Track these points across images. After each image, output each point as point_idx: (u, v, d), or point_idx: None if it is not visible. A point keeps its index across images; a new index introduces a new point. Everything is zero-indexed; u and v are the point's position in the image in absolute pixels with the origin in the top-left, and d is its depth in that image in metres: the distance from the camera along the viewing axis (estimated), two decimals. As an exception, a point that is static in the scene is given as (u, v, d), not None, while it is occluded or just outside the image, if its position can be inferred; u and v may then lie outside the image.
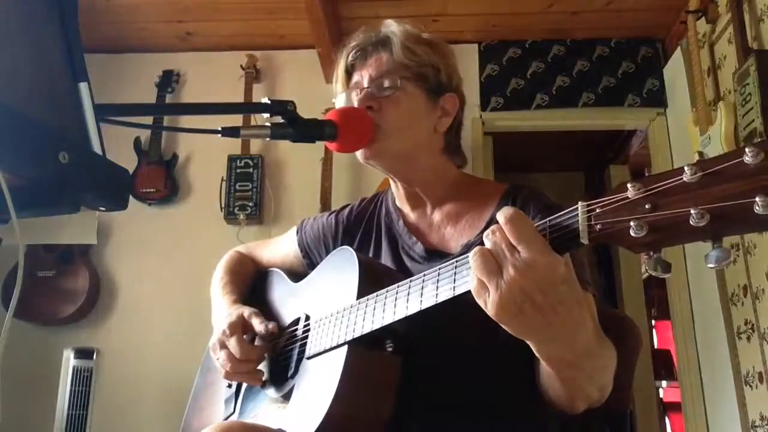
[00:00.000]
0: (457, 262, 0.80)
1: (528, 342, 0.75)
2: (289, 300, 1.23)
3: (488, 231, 0.70)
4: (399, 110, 1.12)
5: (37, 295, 2.94)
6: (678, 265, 2.95)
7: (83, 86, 0.64)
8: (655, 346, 4.65)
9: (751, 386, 2.37)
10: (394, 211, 1.23)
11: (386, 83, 1.13)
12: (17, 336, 2.85)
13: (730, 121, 2.33)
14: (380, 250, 1.20)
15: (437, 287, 0.82)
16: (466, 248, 1.08)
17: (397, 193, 1.23)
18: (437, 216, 1.17)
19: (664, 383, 4.25)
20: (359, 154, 1.13)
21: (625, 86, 3.21)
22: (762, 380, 2.29)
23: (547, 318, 0.69)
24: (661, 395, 4.36)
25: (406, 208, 1.21)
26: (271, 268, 1.37)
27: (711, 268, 0.58)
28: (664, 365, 4.30)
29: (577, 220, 0.66)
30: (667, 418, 4.33)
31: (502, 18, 3.17)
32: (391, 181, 1.23)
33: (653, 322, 4.64)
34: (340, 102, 1.17)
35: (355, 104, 1.13)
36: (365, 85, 1.15)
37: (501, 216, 0.69)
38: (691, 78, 2.73)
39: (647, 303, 4.25)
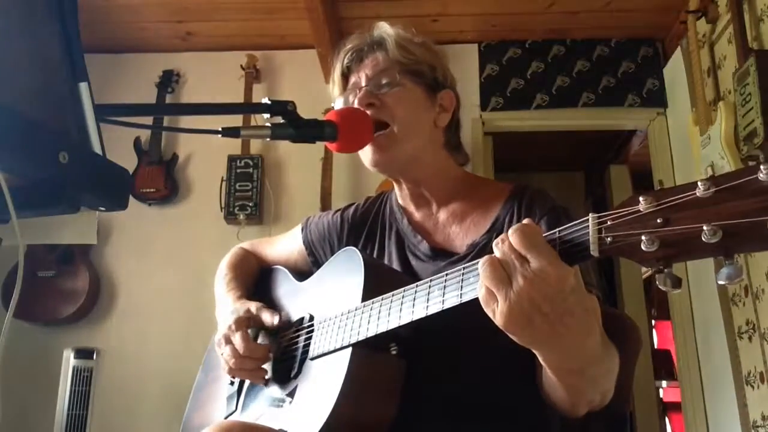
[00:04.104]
0: (464, 268, 0.79)
1: (534, 351, 0.75)
2: (293, 299, 1.23)
3: (497, 240, 0.70)
4: (401, 104, 1.12)
5: (37, 295, 2.94)
6: (678, 266, 2.94)
7: (83, 86, 0.64)
8: (655, 346, 4.65)
9: (752, 386, 2.37)
10: (398, 210, 1.23)
11: (385, 80, 1.13)
12: (17, 336, 2.85)
13: (730, 121, 2.32)
14: (385, 249, 1.20)
15: (444, 293, 0.81)
16: (472, 248, 1.08)
17: (401, 193, 1.22)
18: (442, 215, 1.17)
19: (664, 383, 4.25)
20: (367, 161, 1.13)
21: (625, 86, 3.21)
22: (763, 380, 2.29)
23: (556, 328, 0.69)
24: (661, 395, 4.36)
25: (411, 208, 1.21)
26: (275, 266, 1.37)
27: (722, 284, 0.58)
28: (664, 365, 4.29)
29: (588, 233, 0.65)
30: (667, 418, 4.33)
31: (502, 18, 3.17)
32: (394, 182, 1.23)
33: (653, 322, 4.64)
34: (338, 106, 1.17)
35: (355, 104, 1.13)
36: (363, 84, 1.15)
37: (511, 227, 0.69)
38: (691, 78, 2.73)
39: (647, 303, 4.25)
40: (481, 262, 0.70)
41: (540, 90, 3.23)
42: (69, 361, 2.63)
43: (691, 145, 2.62)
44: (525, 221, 0.71)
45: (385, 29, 1.18)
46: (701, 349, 2.83)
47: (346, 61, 1.19)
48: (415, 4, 3.04)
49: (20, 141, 0.56)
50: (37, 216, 0.63)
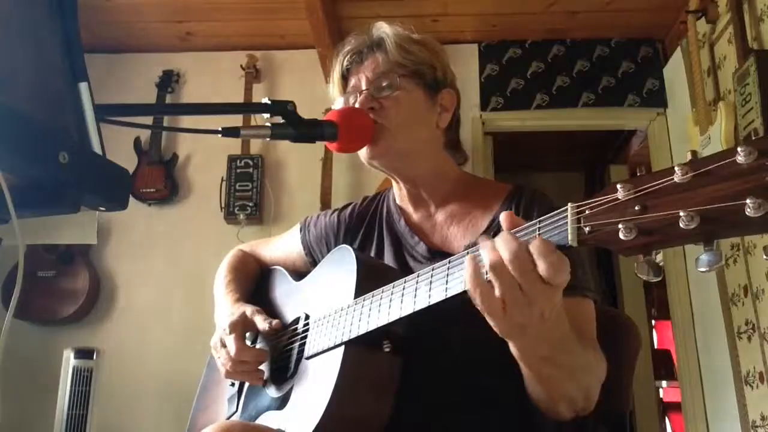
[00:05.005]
0: (449, 263, 0.80)
1: (509, 340, 0.78)
2: (290, 299, 1.23)
3: (482, 242, 0.73)
4: (401, 108, 1.12)
5: (37, 295, 2.94)
6: (678, 265, 2.95)
7: (83, 86, 0.64)
8: (655, 346, 4.65)
9: (751, 386, 2.37)
10: (396, 211, 1.23)
11: (385, 83, 1.13)
12: (17, 336, 2.85)
13: (730, 121, 2.32)
14: (383, 250, 1.20)
15: (430, 288, 0.82)
16: (469, 248, 1.08)
17: (399, 193, 1.22)
18: (440, 216, 1.17)
19: (664, 383, 4.25)
20: (363, 155, 1.13)
21: (625, 86, 3.21)
22: (763, 380, 2.29)
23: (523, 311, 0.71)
24: (661, 395, 4.36)
25: (409, 208, 1.21)
26: (274, 267, 1.37)
27: (702, 272, 0.55)
28: (664, 365, 4.29)
29: (566, 222, 0.65)
30: (667, 418, 4.33)
31: (502, 18, 3.17)
32: (392, 181, 1.23)
33: (653, 322, 4.64)
34: (338, 106, 1.17)
35: (356, 107, 1.13)
36: (363, 87, 1.14)
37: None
38: (691, 78, 2.73)
39: (647, 303, 4.25)
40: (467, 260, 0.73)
41: (540, 90, 3.24)
42: (69, 361, 2.63)
43: (691, 145, 2.62)
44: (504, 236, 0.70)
45: (383, 29, 1.17)
46: (701, 349, 2.83)
47: (345, 62, 1.18)
48: (415, 4, 3.04)
49: (20, 141, 0.56)
50: (37, 216, 0.63)
